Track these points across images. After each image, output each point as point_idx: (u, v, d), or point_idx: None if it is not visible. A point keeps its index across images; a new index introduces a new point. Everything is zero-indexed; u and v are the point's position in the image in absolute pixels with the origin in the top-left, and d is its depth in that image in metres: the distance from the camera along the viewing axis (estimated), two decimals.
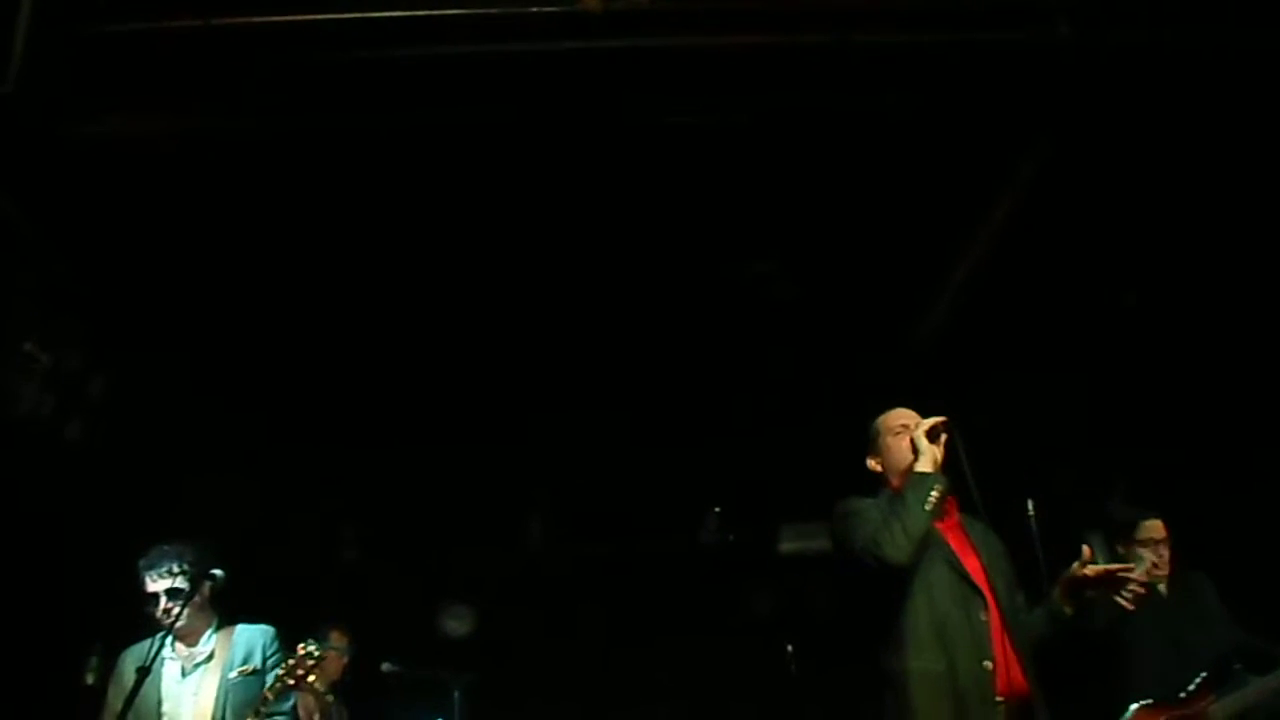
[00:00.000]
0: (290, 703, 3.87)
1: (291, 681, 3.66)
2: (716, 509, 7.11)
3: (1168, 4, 3.56)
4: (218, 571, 3.80)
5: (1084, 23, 3.58)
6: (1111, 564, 3.21)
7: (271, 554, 5.84)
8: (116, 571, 3.91)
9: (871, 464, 3.47)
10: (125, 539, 4.00)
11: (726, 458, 6.49)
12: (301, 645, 3.70)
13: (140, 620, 3.78)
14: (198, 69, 3.63)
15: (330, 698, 5.17)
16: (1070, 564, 3.15)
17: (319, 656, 3.70)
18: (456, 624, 7.14)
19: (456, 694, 5.70)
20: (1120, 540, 4.58)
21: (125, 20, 3.49)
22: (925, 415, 3.34)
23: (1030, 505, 4.01)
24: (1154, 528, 4.50)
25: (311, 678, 3.71)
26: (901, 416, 3.44)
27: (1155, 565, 4.40)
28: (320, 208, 4.41)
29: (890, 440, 3.40)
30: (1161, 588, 4.41)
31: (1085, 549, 3.14)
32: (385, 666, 5.72)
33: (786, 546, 6.87)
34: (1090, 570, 3.11)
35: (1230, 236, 4.72)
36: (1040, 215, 4.54)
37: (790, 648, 6.14)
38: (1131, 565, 3.18)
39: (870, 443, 3.49)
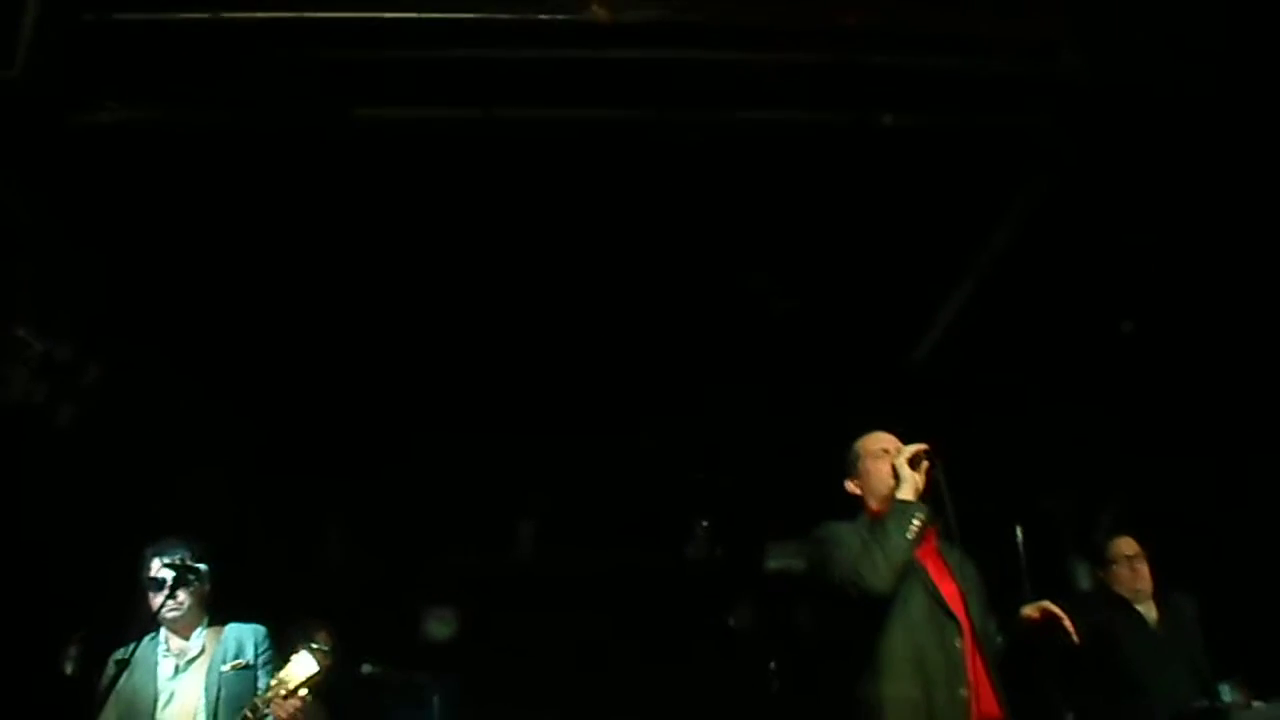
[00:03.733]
0: None
1: (284, 715, 3.64)
2: (704, 523, 7.11)
3: (1174, 38, 3.58)
4: (201, 566, 3.82)
5: (1090, 54, 3.59)
6: (1056, 606, 3.17)
7: (254, 551, 5.81)
8: (101, 561, 3.90)
9: (850, 487, 3.44)
10: (111, 529, 4.00)
11: (716, 472, 6.49)
12: (303, 691, 3.65)
13: (126, 613, 3.79)
14: (204, 62, 3.63)
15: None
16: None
17: (309, 699, 3.69)
18: (439, 627, 7.11)
19: (436, 698, 5.68)
20: (1099, 566, 4.59)
21: (133, 10, 3.49)
22: (916, 438, 3.31)
23: (1019, 532, 4.02)
24: (1123, 544, 4.49)
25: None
26: (881, 440, 3.41)
27: (1133, 579, 4.40)
28: (322, 205, 4.41)
29: (870, 464, 3.38)
30: (1144, 609, 4.39)
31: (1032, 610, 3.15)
32: (365, 668, 5.69)
33: (772, 564, 6.89)
34: (1033, 611, 3.15)
35: (1226, 266, 4.75)
36: (1038, 242, 4.57)
37: (772, 664, 6.15)
38: (1061, 618, 3.13)
39: (850, 465, 3.46)
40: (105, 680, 3.65)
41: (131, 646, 3.65)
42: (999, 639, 3.23)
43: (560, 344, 5.45)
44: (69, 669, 4.41)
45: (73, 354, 4.52)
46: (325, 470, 6.28)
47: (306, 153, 4.08)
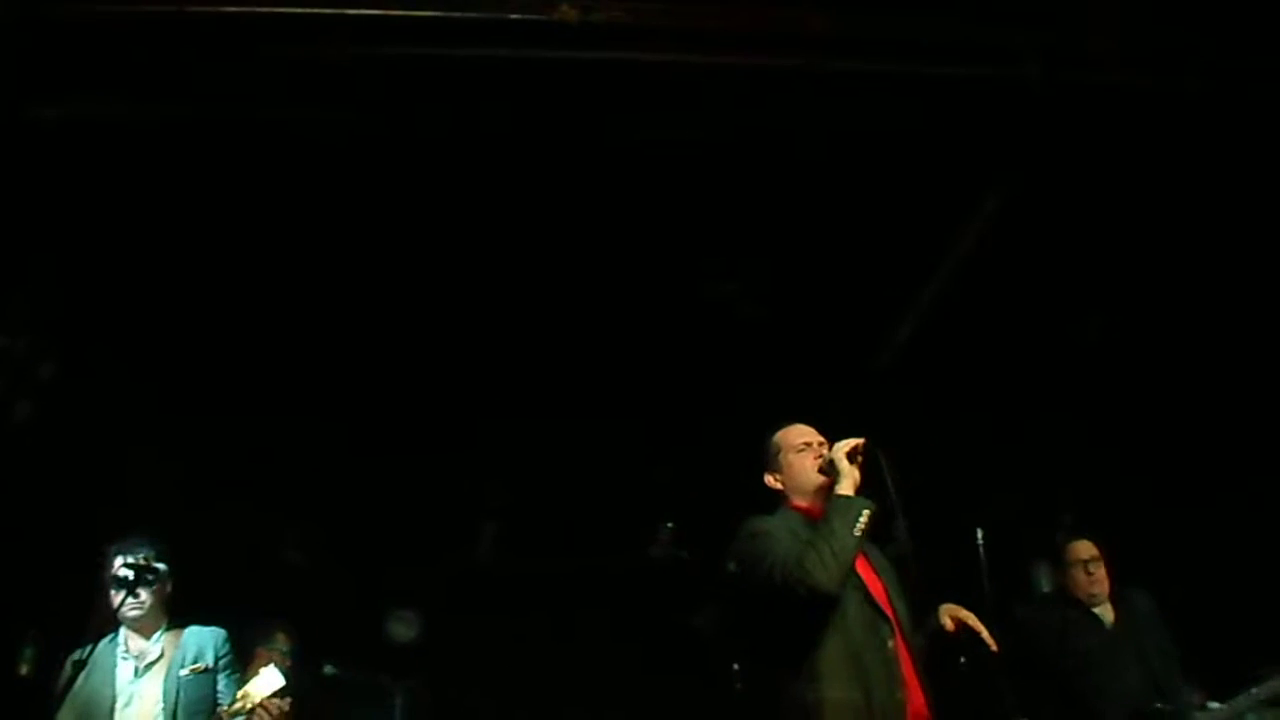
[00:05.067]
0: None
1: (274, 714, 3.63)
2: (669, 524, 7.10)
3: (1134, 48, 3.63)
4: (162, 566, 3.78)
5: (1053, 64, 3.64)
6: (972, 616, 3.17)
7: (215, 552, 5.75)
8: (57, 560, 3.85)
9: (771, 481, 3.39)
10: (68, 527, 3.94)
11: (681, 473, 6.50)
12: (278, 697, 3.66)
13: (85, 613, 3.75)
14: (166, 56, 3.59)
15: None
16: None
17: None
18: (402, 629, 7.06)
19: (398, 699, 5.65)
20: (1056, 569, 4.63)
21: (96, 1, 3.44)
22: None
23: (980, 534, 4.04)
24: (1080, 548, 4.51)
25: None
26: (803, 434, 3.38)
27: (1089, 583, 4.43)
28: (283, 201, 4.37)
29: (793, 458, 3.33)
30: (1100, 611, 4.43)
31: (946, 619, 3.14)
32: (327, 669, 5.65)
33: (734, 565, 6.88)
34: (948, 622, 3.13)
35: (1187, 274, 4.83)
36: (1000, 249, 4.62)
37: (736, 665, 6.15)
38: (981, 631, 3.12)
39: (769, 459, 3.41)
40: (62, 681, 3.60)
41: (89, 647, 3.61)
42: (918, 635, 3.17)
43: (523, 345, 5.43)
44: (24, 669, 4.34)
45: (28, 350, 4.46)
46: (285, 470, 6.22)
47: (267, 149, 4.05)
